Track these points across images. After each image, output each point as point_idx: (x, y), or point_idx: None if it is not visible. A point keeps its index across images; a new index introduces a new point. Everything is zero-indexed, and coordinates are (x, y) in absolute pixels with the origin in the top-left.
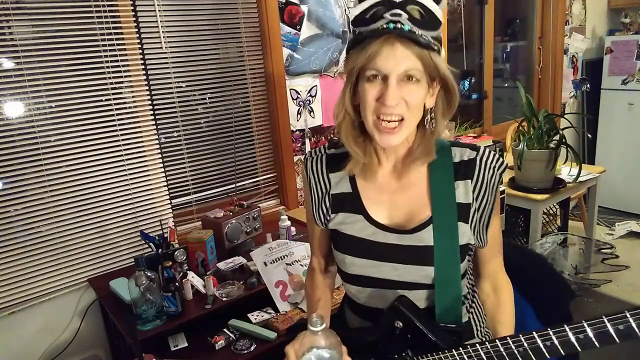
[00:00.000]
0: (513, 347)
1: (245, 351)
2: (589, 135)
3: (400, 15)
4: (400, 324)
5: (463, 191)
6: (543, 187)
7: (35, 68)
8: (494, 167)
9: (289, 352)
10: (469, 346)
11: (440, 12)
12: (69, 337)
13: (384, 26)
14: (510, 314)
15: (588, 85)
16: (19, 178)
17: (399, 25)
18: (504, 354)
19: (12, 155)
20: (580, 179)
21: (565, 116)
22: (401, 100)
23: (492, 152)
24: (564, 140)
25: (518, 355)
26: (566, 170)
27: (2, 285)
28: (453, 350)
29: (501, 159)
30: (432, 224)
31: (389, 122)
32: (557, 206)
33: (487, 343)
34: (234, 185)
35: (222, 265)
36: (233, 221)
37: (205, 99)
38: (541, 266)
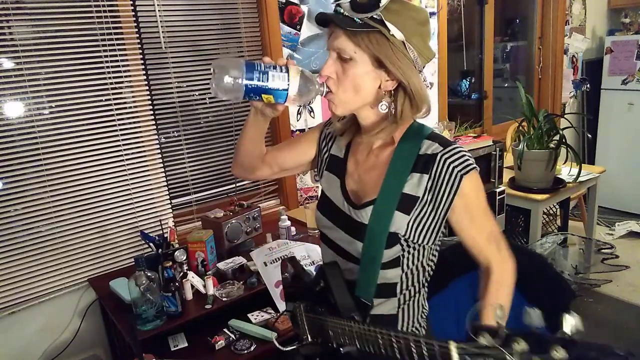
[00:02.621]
0: (379, 337)
1: (245, 351)
2: (589, 135)
3: (341, 3)
4: (322, 283)
5: (415, 183)
6: (543, 187)
7: (35, 68)
8: (454, 167)
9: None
10: (354, 322)
11: None
12: (69, 337)
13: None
14: (494, 291)
15: (588, 85)
16: (19, 178)
17: (338, 9)
18: (371, 338)
19: (12, 155)
20: (580, 179)
21: (565, 116)
22: (334, 75)
23: (460, 153)
24: (564, 140)
25: (381, 346)
26: (566, 170)
27: (2, 285)
28: (345, 320)
29: (467, 162)
30: (373, 206)
31: (327, 95)
32: (557, 206)
33: (367, 324)
34: (234, 185)
35: (222, 265)
36: (233, 221)
37: (205, 99)
38: (541, 266)
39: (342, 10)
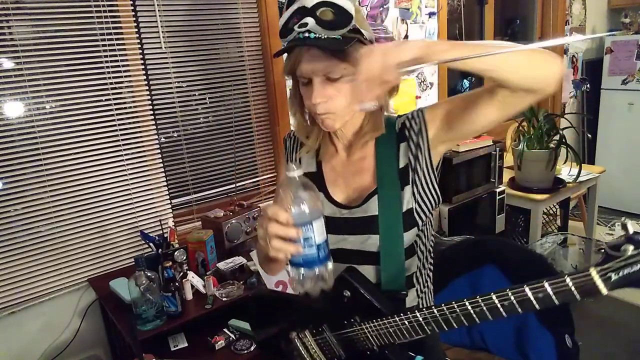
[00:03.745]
0: (447, 312)
1: (245, 351)
2: (589, 135)
3: (306, 25)
4: (348, 292)
5: (403, 154)
6: (543, 187)
7: (35, 68)
8: (415, 112)
9: (275, 211)
10: (408, 312)
11: (349, 4)
12: (69, 337)
13: (296, 37)
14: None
15: (588, 85)
16: (19, 178)
17: (306, 34)
18: (440, 319)
19: (12, 155)
20: (580, 179)
21: (565, 116)
22: (326, 98)
23: (421, 107)
24: (564, 140)
25: (452, 320)
26: (566, 170)
27: (2, 285)
28: (395, 316)
29: (426, 106)
30: (376, 195)
31: (322, 114)
32: (557, 206)
33: (424, 309)
34: (234, 185)
35: (222, 265)
36: (233, 221)
37: (205, 99)
38: (541, 266)
39: (315, 35)
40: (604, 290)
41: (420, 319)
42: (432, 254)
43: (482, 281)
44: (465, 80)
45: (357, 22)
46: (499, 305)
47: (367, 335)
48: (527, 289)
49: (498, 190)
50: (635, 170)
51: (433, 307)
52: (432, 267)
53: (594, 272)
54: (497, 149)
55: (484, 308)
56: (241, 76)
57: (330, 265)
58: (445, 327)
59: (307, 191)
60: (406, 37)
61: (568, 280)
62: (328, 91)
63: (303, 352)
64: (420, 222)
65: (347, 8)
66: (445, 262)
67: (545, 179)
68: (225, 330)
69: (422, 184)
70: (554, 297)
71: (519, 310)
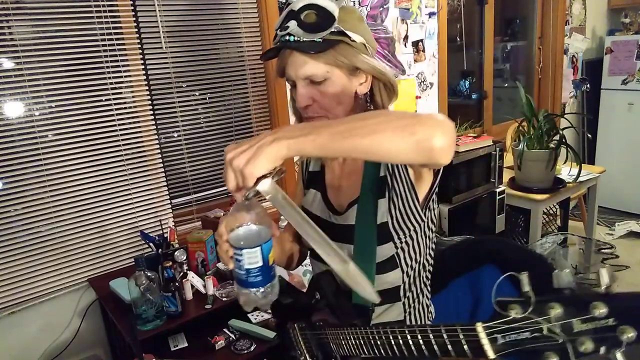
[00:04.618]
0: (390, 336)
1: (245, 351)
2: (589, 135)
3: (287, 27)
4: (318, 295)
5: (383, 165)
6: (543, 187)
7: (35, 68)
8: None
9: (223, 220)
10: (361, 327)
11: (333, 6)
12: (69, 337)
13: (279, 40)
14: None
15: (588, 85)
16: (19, 178)
17: (287, 37)
18: (380, 341)
19: (12, 155)
20: (580, 179)
21: (565, 116)
22: (311, 101)
23: None
24: (564, 140)
25: (386, 345)
26: (566, 170)
27: (2, 285)
28: (348, 329)
29: None
30: (356, 205)
31: (309, 118)
32: (557, 206)
33: (375, 327)
34: None
35: (222, 265)
36: None
37: (205, 99)
38: (541, 266)
39: (294, 37)
40: (490, 354)
41: (361, 335)
42: (428, 269)
43: (482, 281)
44: (465, 80)
45: (344, 24)
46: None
47: (329, 341)
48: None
49: (498, 190)
50: (635, 170)
51: (385, 326)
52: (427, 282)
53: (479, 328)
54: (497, 149)
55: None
56: (241, 76)
57: (261, 290)
58: (381, 351)
59: (250, 218)
60: (406, 37)
61: (444, 331)
62: (312, 94)
63: (296, 345)
64: (396, 237)
65: (331, 10)
66: (445, 262)
67: (545, 179)
68: (225, 330)
69: (398, 201)
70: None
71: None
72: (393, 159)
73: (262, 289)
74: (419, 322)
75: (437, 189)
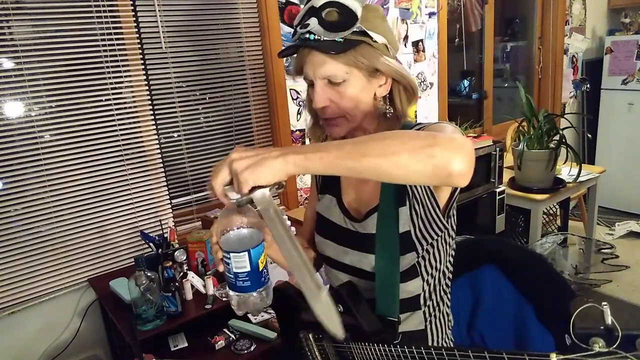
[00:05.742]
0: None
1: (245, 351)
2: (589, 135)
3: (307, 25)
4: (341, 308)
5: None
6: (543, 187)
7: (35, 68)
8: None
9: (212, 228)
10: (392, 345)
11: (356, 5)
12: (69, 337)
13: (299, 38)
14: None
15: (588, 85)
16: (19, 178)
17: (307, 35)
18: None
19: (12, 155)
20: (580, 179)
21: (565, 116)
22: (329, 102)
23: (431, 122)
24: (564, 140)
25: None
26: (566, 170)
27: (2, 285)
28: (379, 345)
29: (432, 122)
30: (376, 212)
31: (326, 119)
32: (557, 206)
33: (408, 348)
34: None
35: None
36: None
37: (205, 99)
38: (541, 266)
39: (315, 36)
40: None
41: (391, 353)
42: (447, 276)
43: (482, 281)
44: (465, 80)
45: (366, 23)
46: None
47: (355, 355)
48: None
49: (498, 190)
50: (635, 170)
51: (419, 348)
52: (447, 290)
53: (553, 357)
54: (497, 149)
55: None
56: (241, 76)
57: (253, 294)
58: None
59: (242, 221)
60: (406, 37)
61: (526, 357)
62: (330, 95)
63: (309, 354)
64: (419, 246)
65: (353, 8)
66: None
67: (545, 179)
68: (225, 330)
69: (420, 209)
70: None
71: None
72: (406, 181)
73: (253, 294)
74: (439, 332)
75: (457, 196)
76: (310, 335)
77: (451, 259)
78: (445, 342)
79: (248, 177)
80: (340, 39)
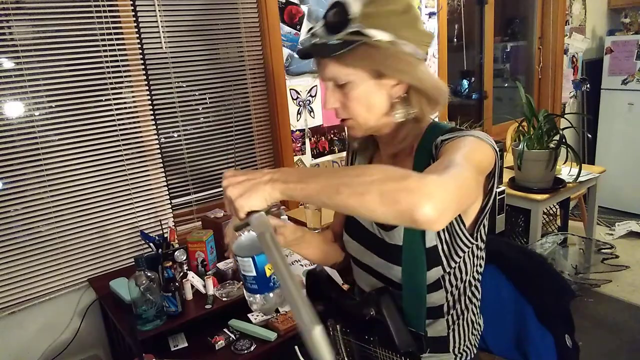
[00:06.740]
0: None
1: (245, 351)
2: (589, 135)
3: (312, 28)
4: (373, 312)
5: None
6: (543, 187)
7: (35, 68)
8: (443, 140)
9: (227, 228)
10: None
11: (353, 2)
12: (69, 337)
13: (307, 42)
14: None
15: (588, 85)
16: (19, 178)
17: (311, 40)
18: None
19: (12, 155)
20: (580, 179)
21: (565, 116)
22: (338, 104)
23: (459, 132)
24: (564, 140)
25: None
26: (566, 170)
27: (2, 285)
28: (405, 357)
29: (460, 134)
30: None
31: (341, 121)
32: (557, 206)
33: None
34: None
35: (222, 265)
36: None
37: (205, 98)
38: (541, 266)
39: (317, 39)
40: None
41: None
42: (474, 285)
43: (482, 281)
44: (465, 80)
45: (368, 20)
46: None
47: (378, 358)
48: None
49: (498, 190)
50: (635, 170)
51: None
52: (473, 297)
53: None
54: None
55: None
56: (241, 76)
57: (261, 296)
58: None
59: (253, 230)
60: None
61: None
62: (338, 97)
63: (337, 345)
64: (445, 262)
65: (349, 7)
66: None
67: (545, 179)
68: (225, 330)
69: (447, 224)
70: None
71: None
72: (377, 221)
73: (260, 296)
74: (462, 339)
75: (489, 210)
76: (338, 327)
77: (479, 268)
78: (468, 347)
79: (243, 203)
80: (338, 40)
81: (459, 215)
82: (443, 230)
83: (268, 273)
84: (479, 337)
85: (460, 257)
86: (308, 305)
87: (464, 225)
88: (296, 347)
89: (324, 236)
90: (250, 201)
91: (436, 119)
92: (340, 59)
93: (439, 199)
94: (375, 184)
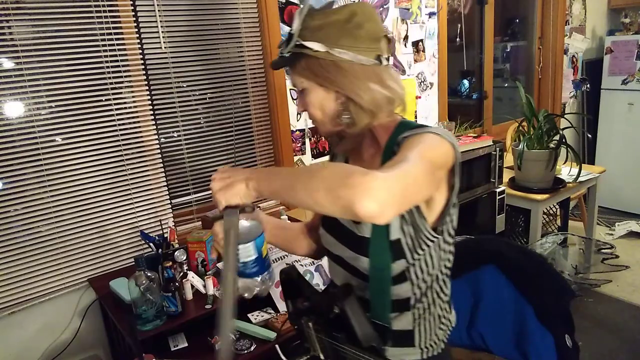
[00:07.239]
0: None
1: (245, 351)
2: (589, 135)
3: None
4: (337, 309)
5: None
6: (543, 187)
7: (35, 68)
8: (403, 137)
9: (214, 227)
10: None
11: (297, 17)
12: (69, 337)
13: None
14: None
15: (588, 85)
16: (19, 178)
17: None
18: None
19: (12, 155)
20: (580, 179)
21: (565, 116)
22: (302, 109)
23: (420, 129)
24: (564, 140)
25: None
26: (566, 170)
27: (2, 285)
28: (367, 354)
29: (420, 130)
30: None
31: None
32: (557, 206)
33: None
34: None
35: (222, 265)
36: None
37: (205, 98)
38: (541, 266)
39: (280, 54)
40: None
41: None
42: (442, 279)
43: (482, 281)
44: (464, 80)
45: (306, 32)
46: None
47: (346, 356)
48: None
49: (498, 190)
50: (635, 170)
51: None
52: (441, 292)
53: None
54: (497, 149)
55: None
56: (241, 76)
57: (259, 278)
58: None
59: (243, 215)
60: (406, 37)
61: None
62: (302, 102)
63: (310, 339)
64: (409, 255)
65: (292, 22)
66: None
67: (545, 179)
68: None
69: (408, 218)
70: None
71: None
72: (332, 215)
73: (259, 278)
74: (427, 333)
75: (452, 205)
76: (311, 324)
77: (447, 263)
78: (435, 342)
79: (221, 197)
80: (288, 53)
81: (419, 209)
82: (406, 223)
83: (264, 253)
84: (448, 332)
85: (423, 250)
86: (233, 315)
87: (425, 220)
88: (277, 346)
89: (300, 229)
90: (226, 196)
91: (435, 120)
92: (294, 69)
93: (380, 193)
94: (325, 181)
